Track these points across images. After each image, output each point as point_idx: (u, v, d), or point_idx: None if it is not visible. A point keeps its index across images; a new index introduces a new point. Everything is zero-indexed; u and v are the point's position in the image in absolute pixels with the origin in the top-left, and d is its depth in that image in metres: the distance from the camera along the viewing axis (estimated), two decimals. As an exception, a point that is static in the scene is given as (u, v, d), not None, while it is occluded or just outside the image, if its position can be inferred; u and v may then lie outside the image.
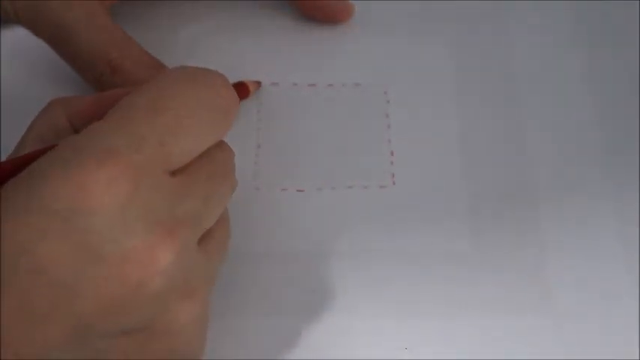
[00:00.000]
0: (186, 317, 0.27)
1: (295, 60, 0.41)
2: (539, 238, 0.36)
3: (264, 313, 0.34)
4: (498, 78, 0.41)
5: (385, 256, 0.35)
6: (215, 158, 0.29)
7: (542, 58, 0.42)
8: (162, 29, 0.42)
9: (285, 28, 0.43)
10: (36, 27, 0.37)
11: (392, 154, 0.38)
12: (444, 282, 0.35)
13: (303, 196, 0.37)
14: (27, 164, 0.26)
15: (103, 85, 0.38)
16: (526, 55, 0.42)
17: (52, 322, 0.24)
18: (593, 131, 0.39)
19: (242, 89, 0.39)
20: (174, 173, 0.27)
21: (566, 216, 0.37)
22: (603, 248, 0.36)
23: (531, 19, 0.43)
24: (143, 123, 0.26)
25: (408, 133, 0.39)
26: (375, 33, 0.42)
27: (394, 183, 0.37)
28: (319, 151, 0.38)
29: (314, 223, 0.36)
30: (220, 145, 0.30)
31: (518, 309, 0.34)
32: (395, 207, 0.37)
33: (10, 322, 0.24)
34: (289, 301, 0.34)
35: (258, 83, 0.40)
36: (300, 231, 0.36)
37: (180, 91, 0.28)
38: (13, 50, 0.41)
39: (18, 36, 0.40)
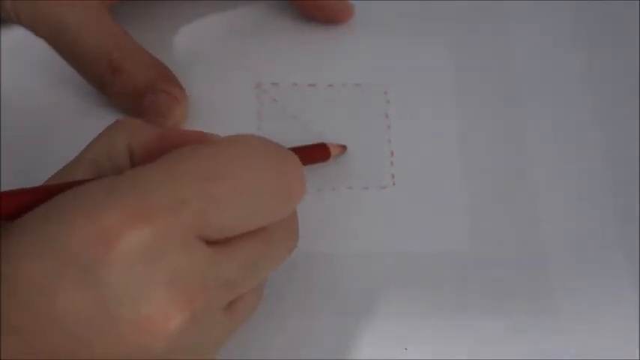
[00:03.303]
0: None
1: (295, 60, 0.41)
2: (539, 237, 0.36)
3: (263, 313, 0.34)
4: (498, 78, 0.41)
5: (385, 256, 0.35)
6: (272, 226, 0.27)
7: (542, 58, 0.42)
8: (162, 29, 0.42)
9: (285, 28, 0.43)
10: (36, 27, 0.37)
11: (392, 154, 0.38)
12: (443, 282, 0.35)
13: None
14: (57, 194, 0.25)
15: (103, 85, 0.38)
16: (526, 55, 0.42)
17: None
18: (593, 131, 0.39)
19: (321, 151, 0.37)
20: (212, 241, 0.25)
21: (566, 216, 0.37)
22: (603, 248, 0.36)
23: (531, 19, 0.43)
24: (190, 186, 0.25)
25: (408, 133, 0.39)
26: (375, 33, 0.42)
27: (394, 183, 0.37)
28: (319, 151, 0.38)
29: (314, 223, 0.36)
30: None
31: (518, 309, 0.34)
32: (395, 207, 0.37)
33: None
34: (289, 301, 0.34)
35: (344, 147, 0.38)
36: (299, 231, 0.36)
37: (243, 162, 0.26)
38: (13, 50, 0.41)
39: (18, 36, 0.40)
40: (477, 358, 0.32)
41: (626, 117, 0.40)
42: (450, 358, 0.33)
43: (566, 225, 0.36)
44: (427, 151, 0.39)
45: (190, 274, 0.24)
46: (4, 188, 0.36)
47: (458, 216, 0.37)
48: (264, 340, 0.33)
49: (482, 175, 0.38)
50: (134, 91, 0.37)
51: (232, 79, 0.40)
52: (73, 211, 0.24)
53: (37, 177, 0.37)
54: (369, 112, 0.40)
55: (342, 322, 0.33)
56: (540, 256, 0.35)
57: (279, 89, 0.40)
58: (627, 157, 0.38)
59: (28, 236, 0.24)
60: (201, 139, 0.29)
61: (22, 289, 0.23)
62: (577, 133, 0.39)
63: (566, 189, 0.37)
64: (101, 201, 0.24)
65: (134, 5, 0.42)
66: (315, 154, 0.36)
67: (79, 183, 0.26)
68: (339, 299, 0.34)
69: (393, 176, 0.38)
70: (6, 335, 0.23)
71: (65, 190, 0.25)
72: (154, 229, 0.24)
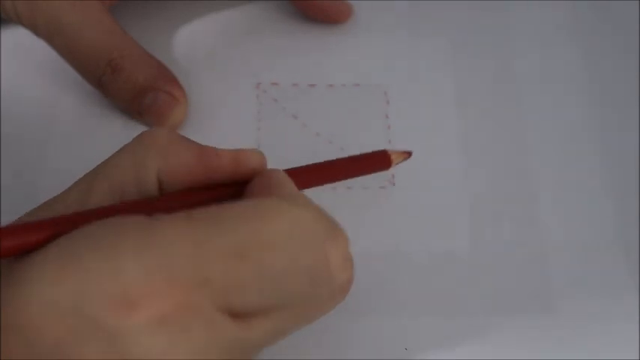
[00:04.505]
0: None
1: (295, 60, 0.41)
2: (539, 237, 0.36)
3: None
4: (498, 78, 0.41)
5: (385, 256, 0.35)
6: (308, 292, 0.25)
7: (542, 57, 0.42)
8: (162, 29, 0.42)
9: (285, 28, 0.43)
10: (36, 27, 0.37)
11: (392, 154, 0.38)
12: (443, 282, 0.35)
13: (303, 196, 0.37)
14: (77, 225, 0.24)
15: (103, 85, 0.38)
16: (526, 55, 0.42)
17: None
18: (594, 131, 0.39)
19: (380, 159, 0.35)
20: (238, 314, 0.24)
21: (566, 216, 0.37)
22: (603, 248, 0.36)
23: (531, 18, 0.43)
24: (216, 263, 0.23)
25: (408, 133, 0.39)
26: (375, 33, 0.42)
27: (394, 183, 0.37)
28: (319, 152, 0.38)
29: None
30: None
31: (518, 309, 0.34)
32: (395, 207, 0.37)
33: None
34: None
35: (409, 154, 0.36)
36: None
37: (282, 242, 0.24)
38: (13, 50, 0.41)
39: (18, 36, 0.40)
40: (477, 358, 0.32)
41: (626, 117, 0.40)
42: (450, 358, 0.32)
43: (566, 225, 0.36)
44: (427, 151, 0.39)
45: (215, 347, 0.24)
46: (4, 188, 0.37)
47: (458, 216, 0.36)
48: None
49: (482, 175, 0.38)
50: (134, 90, 0.37)
51: (232, 79, 0.41)
52: (95, 264, 0.23)
53: (37, 177, 0.37)
54: (369, 112, 0.40)
55: (341, 322, 0.33)
56: (540, 255, 0.35)
57: (279, 89, 0.40)
58: (627, 157, 0.38)
59: (42, 285, 0.23)
60: (238, 160, 0.28)
61: (34, 342, 0.23)
62: (577, 133, 0.39)
63: (566, 188, 0.37)
64: (126, 258, 0.23)
65: (134, 5, 0.42)
66: (374, 163, 0.35)
67: (100, 214, 0.24)
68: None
69: (393, 176, 0.38)
70: None
71: (86, 222, 0.24)
72: (178, 302, 0.23)
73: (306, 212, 0.25)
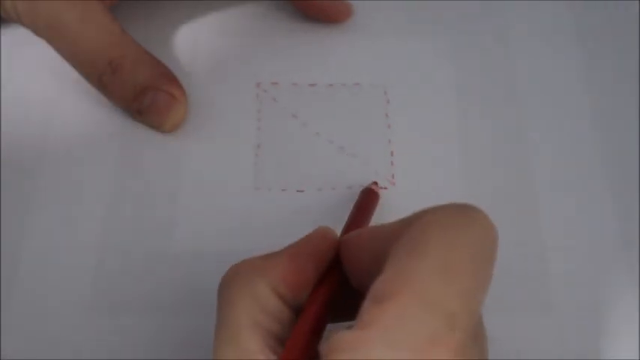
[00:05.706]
0: None
1: (295, 60, 0.41)
2: (539, 237, 0.36)
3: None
4: (498, 78, 0.41)
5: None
6: None
7: (542, 58, 0.42)
8: (162, 29, 0.42)
9: (285, 28, 0.43)
10: (36, 27, 0.37)
11: (392, 154, 0.38)
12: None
13: (303, 196, 0.37)
14: None
15: (103, 85, 0.38)
16: (526, 56, 0.42)
17: None
18: (593, 131, 0.39)
19: (374, 196, 0.36)
20: None
21: (566, 215, 0.37)
22: (603, 248, 0.36)
23: (531, 19, 0.43)
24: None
25: (408, 133, 0.39)
26: (375, 33, 0.42)
27: (394, 183, 0.37)
28: (319, 151, 0.38)
29: (314, 223, 0.36)
30: None
31: (518, 308, 0.34)
32: (395, 207, 0.37)
33: None
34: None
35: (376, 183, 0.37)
36: (299, 231, 0.36)
37: None
38: (13, 50, 0.41)
39: (18, 36, 0.40)
40: (477, 358, 0.32)
41: (625, 117, 0.40)
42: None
43: (565, 225, 0.36)
44: (427, 151, 0.39)
45: None
46: (4, 187, 0.37)
47: (458, 216, 0.36)
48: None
49: (482, 175, 0.38)
50: (134, 90, 0.37)
51: (232, 79, 0.41)
52: None
53: (37, 176, 0.37)
54: (369, 112, 0.40)
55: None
56: (540, 255, 0.35)
57: (279, 89, 0.40)
58: (627, 157, 0.38)
59: None
60: (318, 253, 0.29)
61: None
62: (577, 132, 0.39)
63: (565, 188, 0.37)
64: None
65: (134, 5, 0.42)
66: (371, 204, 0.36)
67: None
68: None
69: (393, 176, 0.38)
70: None
71: None
72: None
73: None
